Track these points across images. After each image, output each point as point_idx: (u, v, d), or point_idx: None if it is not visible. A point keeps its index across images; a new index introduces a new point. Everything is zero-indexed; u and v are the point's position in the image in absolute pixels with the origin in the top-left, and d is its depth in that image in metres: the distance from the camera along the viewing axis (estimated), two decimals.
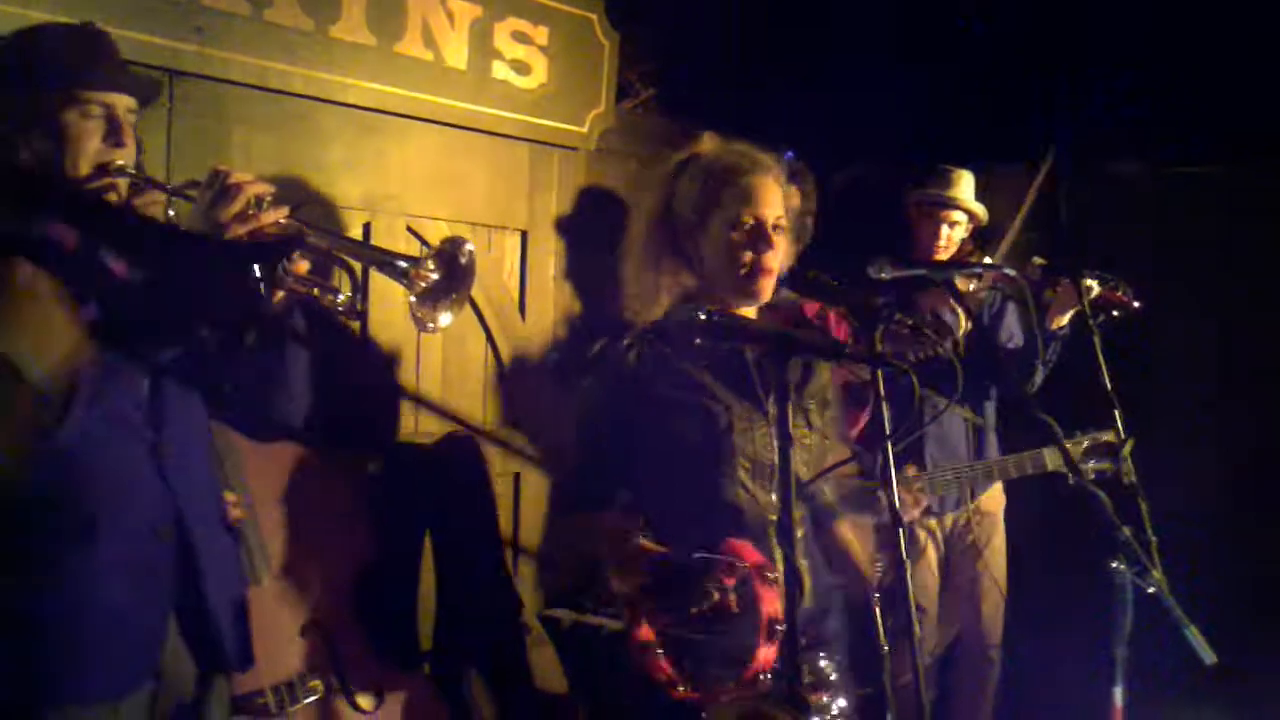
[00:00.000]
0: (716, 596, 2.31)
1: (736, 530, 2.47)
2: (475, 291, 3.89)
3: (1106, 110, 4.66)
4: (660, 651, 2.34)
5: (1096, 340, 3.38)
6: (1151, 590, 2.59)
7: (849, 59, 4.77)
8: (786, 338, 2.32)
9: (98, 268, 2.12)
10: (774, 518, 2.51)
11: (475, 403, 4.00)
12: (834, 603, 2.67)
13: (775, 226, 2.61)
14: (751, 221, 2.59)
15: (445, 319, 2.44)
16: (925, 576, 4.24)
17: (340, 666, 3.06)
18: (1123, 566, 2.61)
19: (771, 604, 2.31)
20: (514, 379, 4.06)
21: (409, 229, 3.75)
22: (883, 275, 3.82)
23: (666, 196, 2.71)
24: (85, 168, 2.15)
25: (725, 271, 2.62)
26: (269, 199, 2.22)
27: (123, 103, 2.20)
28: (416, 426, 3.79)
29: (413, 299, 2.40)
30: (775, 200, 2.63)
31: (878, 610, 2.45)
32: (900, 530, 2.31)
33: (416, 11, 3.70)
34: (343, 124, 3.58)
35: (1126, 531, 2.64)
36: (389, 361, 3.72)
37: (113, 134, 2.17)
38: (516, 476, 4.07)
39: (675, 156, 2.75)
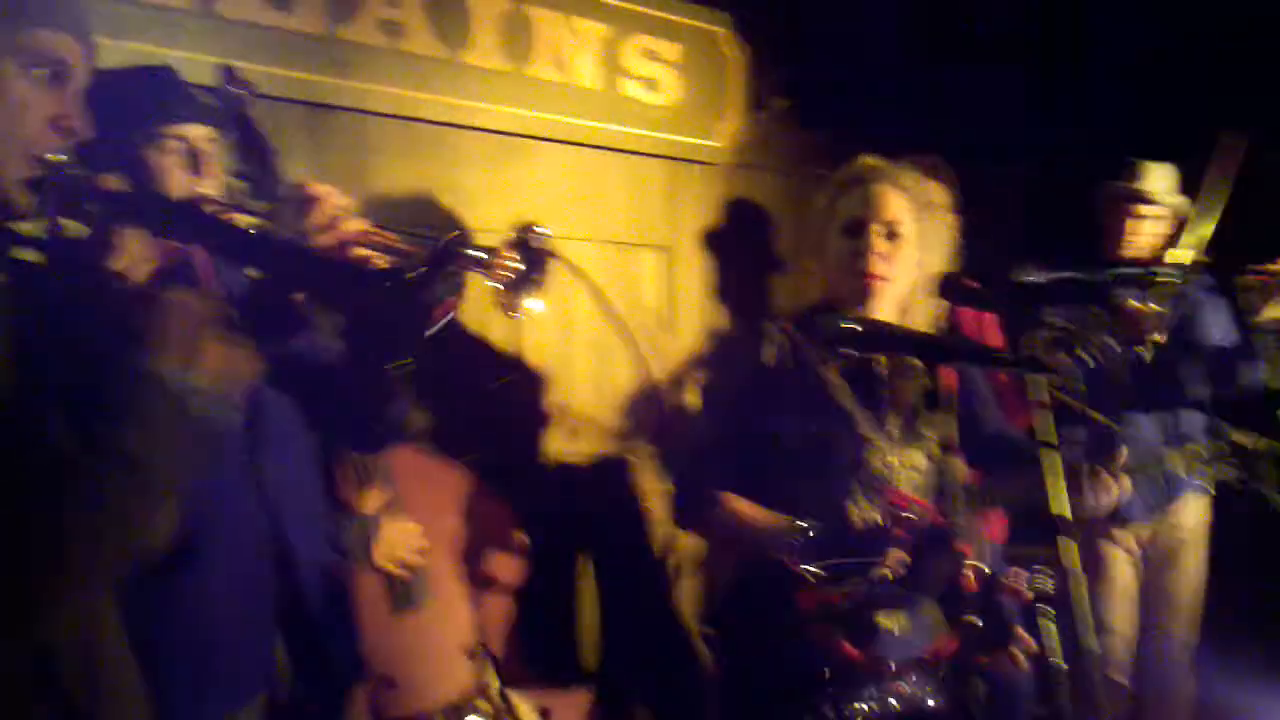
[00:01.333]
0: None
1: (842, 541, 2.42)
2: (620, 309, 3.91)
3: None
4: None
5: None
6: None
7: (991, 63, 4.66)
8: (934, 343, 2.26)
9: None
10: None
11: (626, 420, 3.98)
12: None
13: (891, 233, 2.58)
14: (861, 225, 2.59)
15: (533, 306, 2.43)
16: (1113, 595, 4.03)
17: (505, 688, 3.06)
18: None
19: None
20: (662, 394, 4.03)
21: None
22: (1030, 279, 3.71)
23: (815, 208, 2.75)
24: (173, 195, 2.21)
25: (840, 276, 2.63)
26: (349, 212, 2.24)
27: (199, 132, 2.24)
28: (568, 445, 3.79)
29: (498, 287, 2.38)
30: (890, 205, 2.62)
31: (1052, 625, 2.35)
32: (1072, 534, 2.20)
33: (545, 34, 3.73)
34: (478, 148, 3.62)
35: None
36: (539, 382, 3.73)
37: (193, 165, 2.21)
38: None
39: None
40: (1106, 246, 4.07)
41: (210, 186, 2.26)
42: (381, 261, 2.15)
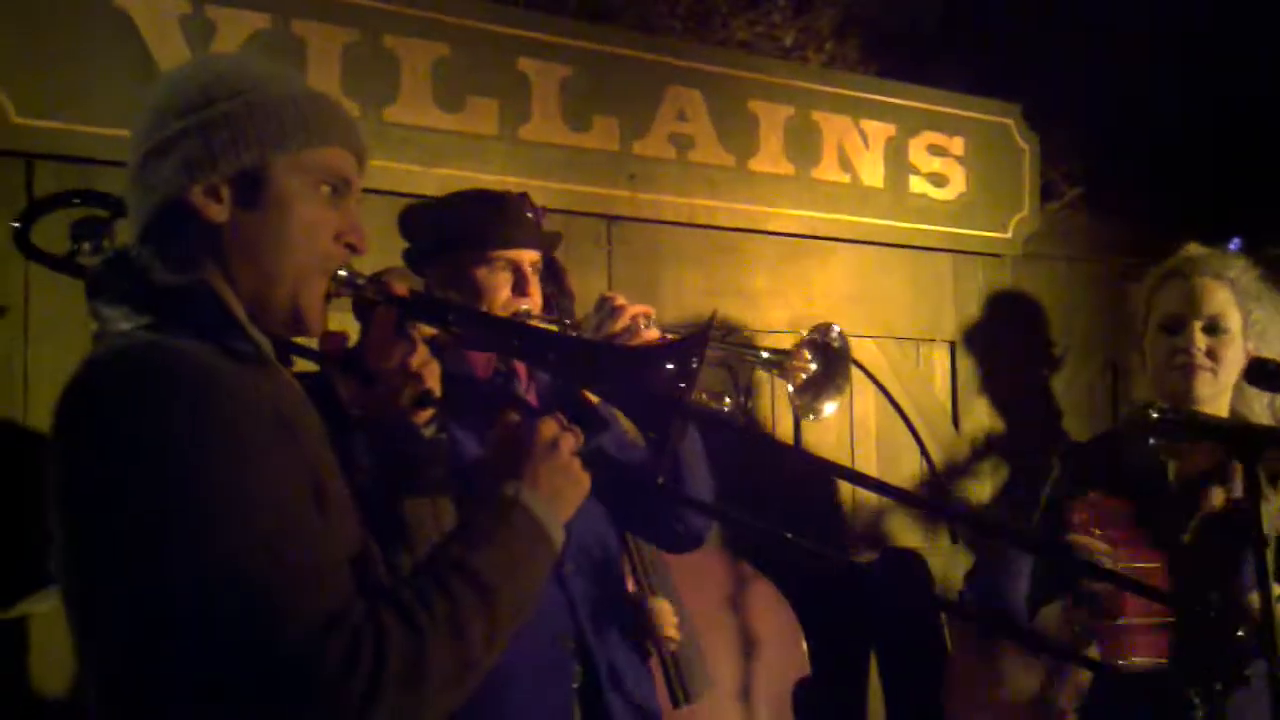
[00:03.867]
0: None
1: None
2: (905, 403, 3.89)
3: None
4: None
5: None
6: None
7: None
8: (1256, 431, 2.13)
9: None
10: None
11: (913, 516, 3.93)
12: None
13: (1210, 327, 2.44)
14: (1181, 321, 2.46)
15: (828, 408, 2.44)
16: None
17: None
18: None
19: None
20: (950, 490, 3.96)
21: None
22: None
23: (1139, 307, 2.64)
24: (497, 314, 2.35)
25: (1161, 372, 2.50)
26: (650, 318, 2.32)
27: (528, 257, 2.38)
28: (853, 541, 3.77)
29: (791, 389, 2.41)
30: (1212, 300, 2.47)
31: None
32: None
33: (832, 137, 3.80)
34: (766, 251, 3.71)
35: None
36: (824, 478, 3.74)
37: (519, 285, 2.35)
38: (962, 594, 3.95)
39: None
40: None
41: (531, 304, 2.41)
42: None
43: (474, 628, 1.30)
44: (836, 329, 2.49)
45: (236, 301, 1.40)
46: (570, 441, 1.49)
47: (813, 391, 2.45)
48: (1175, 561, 2.30)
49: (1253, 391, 2.47)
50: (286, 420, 1.32)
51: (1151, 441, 2.29)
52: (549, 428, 1.49)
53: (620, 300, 2.34)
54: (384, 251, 2.44)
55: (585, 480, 1.49)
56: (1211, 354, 2.44)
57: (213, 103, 1.38)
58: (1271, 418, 2.53)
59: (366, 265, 2.43)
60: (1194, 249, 2.55)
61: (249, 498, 1.22)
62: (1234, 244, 4.01)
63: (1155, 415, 2.13)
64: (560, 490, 1.45)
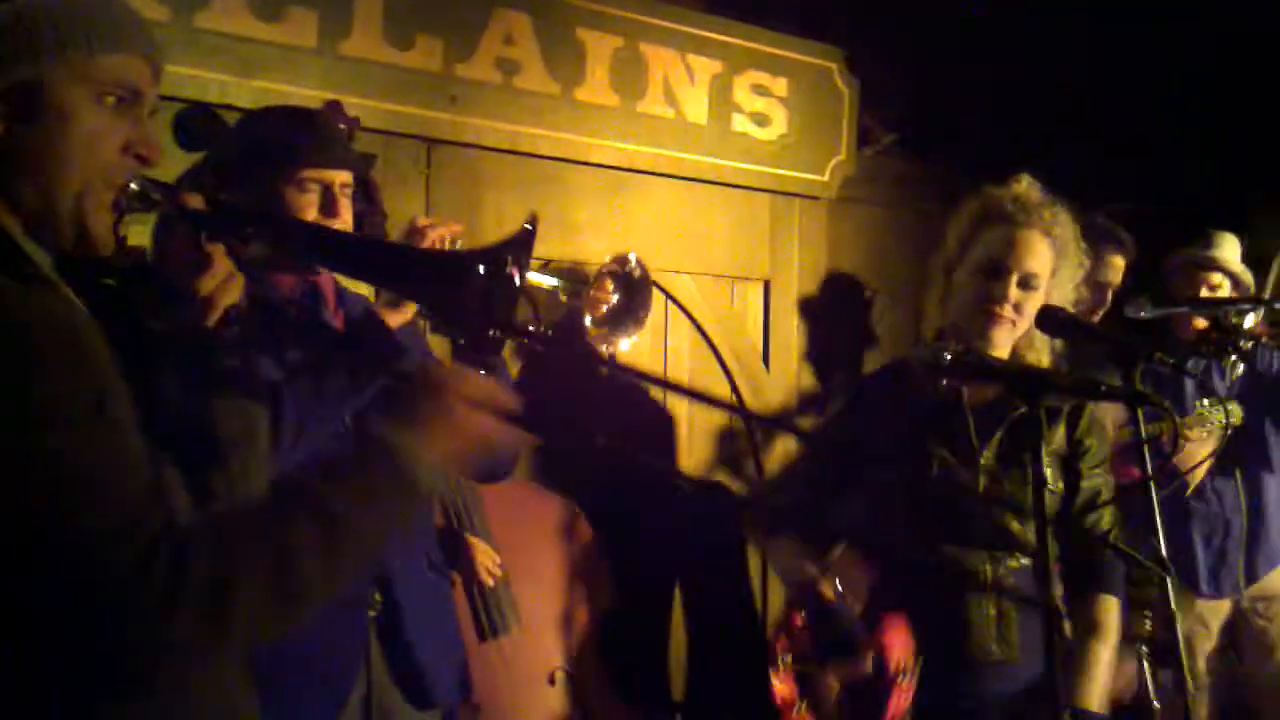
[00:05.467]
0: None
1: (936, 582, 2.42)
2: (719, 342, 3.95)
3: None
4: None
5: None
6: None
7: (1107, 98, 4.61)
8: (1037, 376, 2.24)
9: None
10: (979, 570, 2.45)
11: (722, 452, 4.01)
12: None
13: (1024, 281, 2.51)
14: (999, 270, 2.50)
15: (625, 343, 2.43)
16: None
17: (590, 716, 3.10)
18: None
19: (897, 703, 2.25)
20: (759, 428, 4.06)
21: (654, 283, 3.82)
22: (1142, 314, 3.67)
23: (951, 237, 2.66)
24: None
25: (965, 312, 2.55)
26: (458, 240, 2.30)
27: (338, 178, 2.34)
28: (663, 477, 3.83)
29: (589, 320, 2.39)
30: (1035, 256, 2.52)
31: (1149, 665, 2.33)
32: (1169, 580, 2.18)
33: (658, 70, 3.80)
34: (588, 182, 3.70)
35: None
36: (634, 413, 3.78)
37: (328, 206, 2.31)
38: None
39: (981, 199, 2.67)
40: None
41: (340, 225, 2.35)
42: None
43: (306, 556, 1.30)
44: (634, 257, 2.46)
45: (13, 218, 1.35)
46: (470, 386, 1.46)
47: (613, 323, 2.43)
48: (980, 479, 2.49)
49: (1038, 333, 2.58)
50: (69, 339, 1.27)
51: (944, 382, 2.39)
52: (440, 371, 1.48)
53: (424, 221, 2.31)
54: (191, 162, 2.37)
55: (475, 428, 1.45)
56: (1018, 308, 2.50)
57: None
58: (1051, 356, 2.65)
59: (168, 175, 2.36)
60: (1026, 190, 2.56)
61: (33, 409, 1.21)
62: (1099, 217, 4.18)
63: (949, 357, 2.22)
64: (436, 429, 1.42)
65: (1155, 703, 2.22)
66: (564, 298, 2.40)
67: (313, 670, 2.17)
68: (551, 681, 3.08)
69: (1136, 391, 2.29)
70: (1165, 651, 2.22)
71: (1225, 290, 3.92)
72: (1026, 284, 2.51)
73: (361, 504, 1.35)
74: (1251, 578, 3.86)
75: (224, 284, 1.54)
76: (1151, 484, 2.23)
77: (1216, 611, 3.91)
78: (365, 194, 2.49)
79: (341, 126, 2.40)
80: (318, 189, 2.29)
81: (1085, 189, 3.91)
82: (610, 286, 2.42)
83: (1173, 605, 2.17)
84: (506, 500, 3.08)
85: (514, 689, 3.00)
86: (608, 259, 2.45)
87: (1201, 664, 3.88)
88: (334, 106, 2.44)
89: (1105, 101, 4.65)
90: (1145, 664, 2.76)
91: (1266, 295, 3.64)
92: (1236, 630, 3.95)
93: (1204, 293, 3.90)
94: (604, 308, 2.42)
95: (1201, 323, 3.81)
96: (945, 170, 4.31)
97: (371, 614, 2.29)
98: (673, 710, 3.74)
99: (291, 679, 2.10)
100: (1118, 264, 3.89)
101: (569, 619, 3.17)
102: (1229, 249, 3.97)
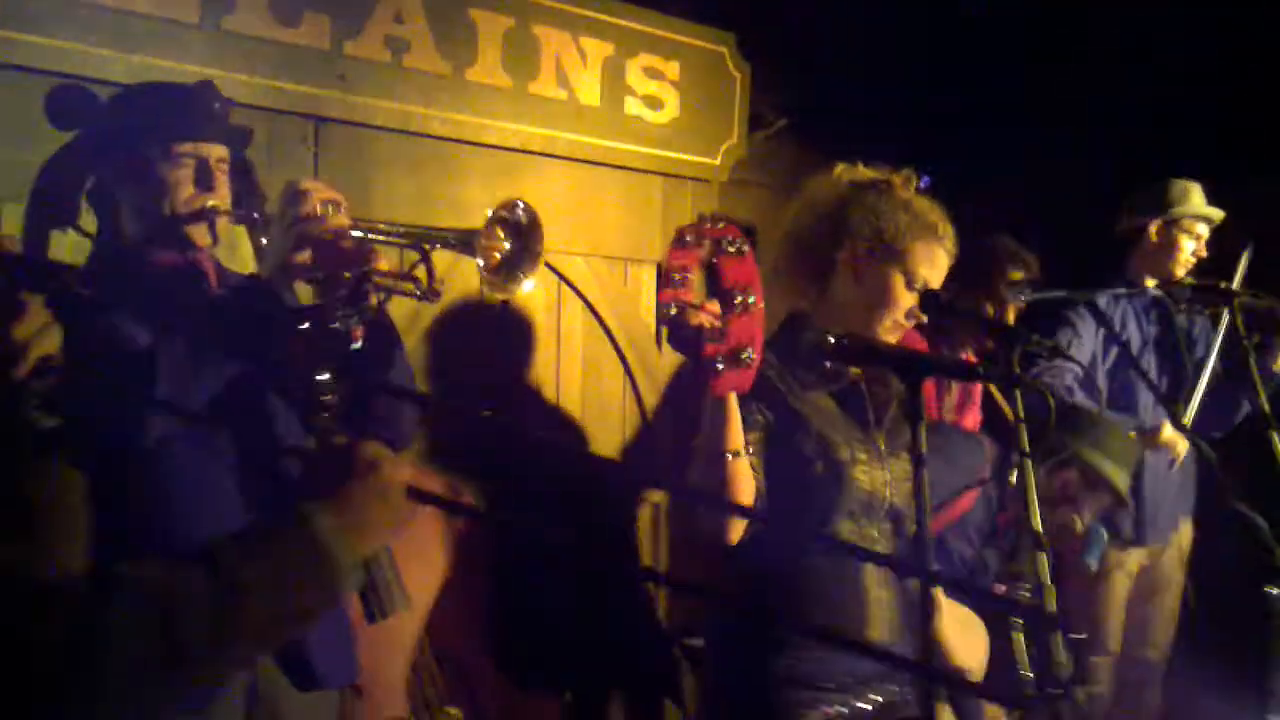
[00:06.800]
0: None
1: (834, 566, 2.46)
2: (612, 323, 3.96)
3: None
4: None
5: (1252, 362, 3.26)
6: None
7: (989, 82, 4.71)
8: (919, 359, 2.30)
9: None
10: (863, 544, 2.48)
11: (614, 433, 4.04)
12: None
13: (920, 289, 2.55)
14: (914, 281, 2.52)
15: (527, 285, 2.42)
16: (1110, 614, 4.09)
17: (477, 695, 3.11)
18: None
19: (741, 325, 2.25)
20: (652, 408, 4.09)
21: (546, 264, 3.82)
22: (1021, 299, 3.77)
23: (834, 213, 2.62)
24: (180, 211, 2.27)
25: (867, 302, 2.55)
26: (341, 206, 2.29)
27: (214, 152, 2.31)
28: (554, 456, 3.83)
29: (482, 265, 2.37)
30: (941, 274, 2.57)
31: (1022, 638, 2.40)
32: (1044, 548, 2.24)
33: (550, 51, 3.79)
34: (479, 163, 3.68)
35: None
36: (527, 393, 3.78)
37: (203, 180, 2.28)
38: (657, 506, 4.09)
39: (857, 175, 2.69)
40: (1153, 271, 4.10)
41: (217, 199, 2.32)
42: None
43: (194, 622, 1.25)
44: (521, 203, 2.45)
45: None
46: (393, 469, 1.43)
47: (508, 269, 2.41)
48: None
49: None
50: None
51: (828, 364, 2.43)
52: (368, 451, 1.43)
53: (306, 184, 2.28)
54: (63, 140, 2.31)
55: (404, 509, 1.43)
56: (910, 313, 2.55)
57: None
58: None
59: (42, 154, 2.30)
60: (941, 222, 2.56)
61: None
62: (924, 182, 4.26)
63: (833, 341, 2.26)
64: (367, 517, 1.40)
65: (1027, 672, 2.29)
66: (461, 251, 2.37)
67: None
68: (439, 662, 3.08)
69: (1012, 374, 2.36)
70: (1042, 622, 2.28)
71: (1200, 241, 4.06)
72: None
73: (273, 581, 1.31)
74: (1171, 529, 4.12)
75: (38, 334, 1.46)
76: (1027, 461, 2.29)
77: (1137, 558, 4.13)
78: (242, 171, 2.45)
79: (215, 105, 2.36)
80: (192, 163, 2.26)
81: (977, 172, 4.04)
82: (502, 234, 2.41)
83: (1048, 580, 2.24)
84: None
85: (401, 671, 2.99)
86: (494, 208, 2.43)
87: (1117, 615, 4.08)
88: (206, 84, 2.40)
89: (991, 85, 4.75)
90: (1020, 636, 2.84)
91: (1236, 287, 3.70)
92: (1144, 577, 4.17)
93: (1188, 246, 4.06)
94: (498, 255, 2.41)
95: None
96: (836, 154, 4.36)
97: None
98: (561, 689, 3.76)
99: None
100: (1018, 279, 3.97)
101: (456, 599, 3.17)
102: (1200, 198, 4.09)
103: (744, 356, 2.22)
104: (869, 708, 2.45)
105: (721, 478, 2.30)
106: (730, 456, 2.31)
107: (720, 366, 2.21)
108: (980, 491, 3.00)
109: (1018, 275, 3.92)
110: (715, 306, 2.26)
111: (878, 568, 2.50)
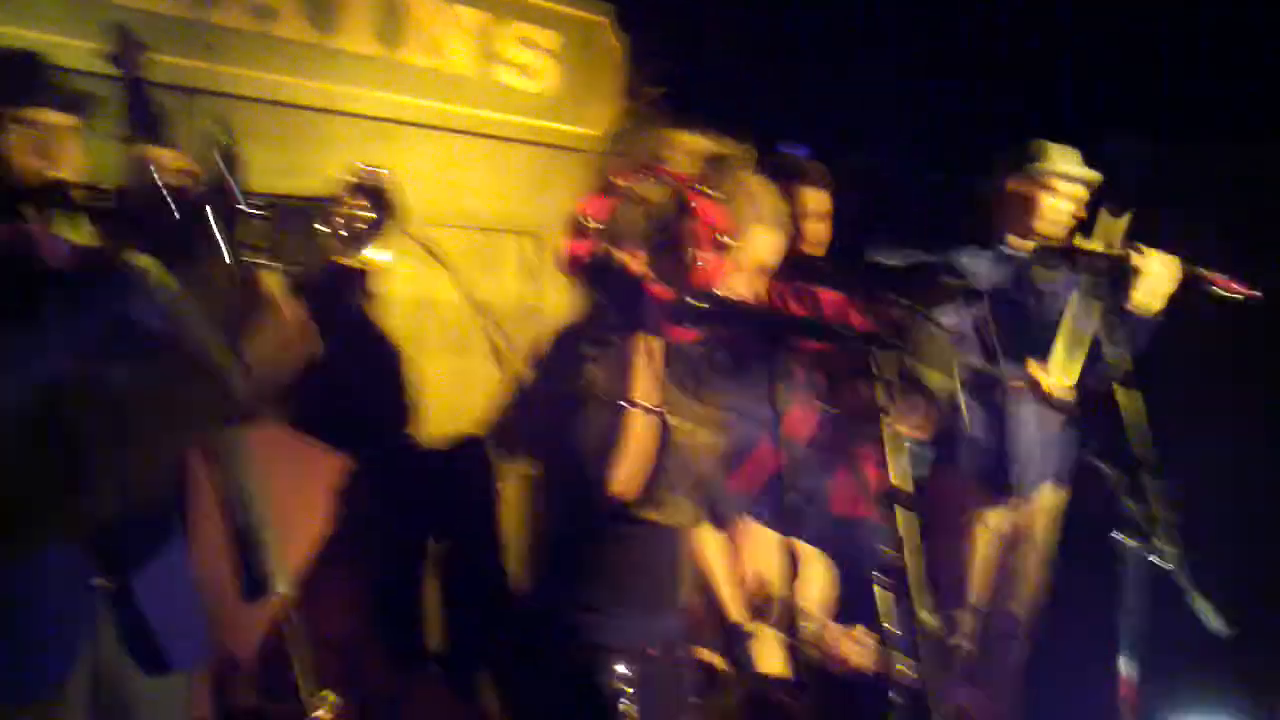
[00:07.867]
0: None
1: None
2: (477, 293, 3.94)
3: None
4: None
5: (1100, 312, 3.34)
6: (1156, 560, 2.61)
7: (866, 54, 4.78)
8: (778, 319, 2.35)
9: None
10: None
11: (479, 404, 4.03)
12: None
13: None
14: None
15: (385, 255, 2.40)
16: (976, 571, 4.20)
17: (352, 672, 3.09)
18: (1128, 539, 2.64)
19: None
20: (521, 383, 4.08)
21: (408, 233, 3.78)
22: (888, 261, 3.84)
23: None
24: (23, 180, 2.23)
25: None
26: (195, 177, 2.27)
27: (54, 118, 2.26)
28: (422, 431, 3.84)
29: (341, 239, 2.33)
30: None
31: (889, 595, 2.46)
32: (907, 506, 2.30)
33: (420, 19, 3.77)
34: (347, 133, 3.66)
35: (1132, 505, 2.66)
36: (392, 365, 3.77)
37: (41, 148, 2.24)
38: (527, 479, 4.09)
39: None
40: (1011, 229, 4.14)
41: (65, 173, 2.27)
42: None
43: None
44: (377, 169, 2.41)
45: None
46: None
47: (367, 237, 2.37)
48: None
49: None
50: None
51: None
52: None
53: (156, 154, 2.25)
54: None
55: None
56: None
57: None
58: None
59: None
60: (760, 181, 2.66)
61: None
62: (801, 152, 4.32)
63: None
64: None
65: (889, 626, 2.34)
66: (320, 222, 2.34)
67: (29, 640, 2.15)
68: (317, 640, 3.06)
69: (870, 334, 2.41)
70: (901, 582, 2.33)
71: (1073, 202, 4.06)
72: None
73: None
74: (1034, 487, 4.20)
75: None
76: (884, 418, 2.35)
77: (1005, 515, 4.21)
78: (153, 130, 2.40)
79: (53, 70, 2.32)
80: (28, 131, 2.21)
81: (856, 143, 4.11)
82: (361, 202, 2.38)
83: (911, 539, 2.29)
84: (270, 446, 3.03)
85: (280, 649, 2.97)
86: (351, 175, 2.41)
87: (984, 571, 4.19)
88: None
89: (875, 57, 4.82)
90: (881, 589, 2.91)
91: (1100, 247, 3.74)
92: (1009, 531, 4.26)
93: (1062, 207, 4.03)
94: (358, 224, 2.38)
95: None
96: (712, 126, 4.40)
97: (101, 584, 2.24)
98: (431, 662, 3.75)
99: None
100: (810, 197, 3.98)
101: (328, 574, 3.15)
102: (1068, 159, 4.06)
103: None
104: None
105: (617, 425, 2.34)
106: (629, 406, 2.36)
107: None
108: None
109: (810, 193, 3.95)
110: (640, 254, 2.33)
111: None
